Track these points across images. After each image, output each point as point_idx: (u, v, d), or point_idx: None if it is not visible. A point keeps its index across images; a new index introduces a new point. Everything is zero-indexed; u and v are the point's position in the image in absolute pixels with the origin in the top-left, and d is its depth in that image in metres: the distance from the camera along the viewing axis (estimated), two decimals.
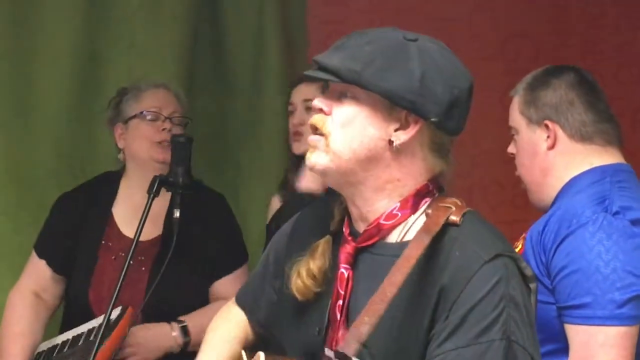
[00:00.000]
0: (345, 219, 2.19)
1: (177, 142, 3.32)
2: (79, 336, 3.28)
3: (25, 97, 3.92)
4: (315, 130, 2.12)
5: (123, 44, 3.99)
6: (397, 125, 2.08)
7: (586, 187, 2.56)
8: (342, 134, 2.09)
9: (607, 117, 2.66)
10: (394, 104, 2.06)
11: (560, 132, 2.63)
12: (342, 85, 2.09)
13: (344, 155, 2.09)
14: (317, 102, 2.12)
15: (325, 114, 2.11)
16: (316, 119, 2.12)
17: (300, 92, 3.51)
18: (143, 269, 3.38)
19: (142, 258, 3.37)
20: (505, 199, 3.85)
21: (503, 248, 2.04)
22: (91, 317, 3.34)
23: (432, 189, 2.12)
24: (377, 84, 2.05)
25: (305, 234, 2.26)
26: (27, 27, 3.91)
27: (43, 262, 3.49)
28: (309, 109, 3.43)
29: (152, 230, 3.39)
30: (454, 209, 2.07)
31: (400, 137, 2.08)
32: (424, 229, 2.05)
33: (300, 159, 3.44)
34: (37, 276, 3.49)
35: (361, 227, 2.14)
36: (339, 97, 2.11)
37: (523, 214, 3.29)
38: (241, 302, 2.45)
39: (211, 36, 4.16)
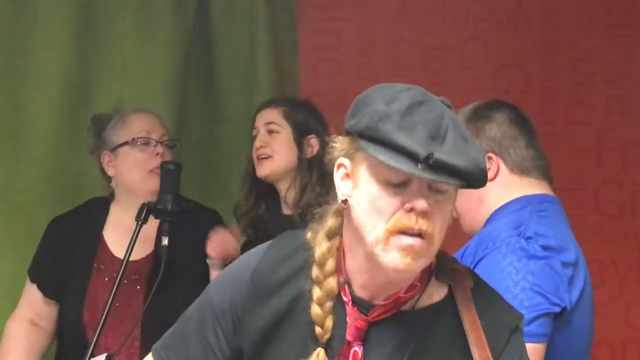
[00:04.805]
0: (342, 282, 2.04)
1: (167, 169, 3.31)
2: None
3: (15, 122, 3.92)
4: (418, 234, 1.94)
5: (114, 69, 3.99)
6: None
7: (508, 214, 2.68)
8: (441, 233, 1.97)
9: (542, 155, 2.77)
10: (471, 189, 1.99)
11: (502, 165, 2.72)
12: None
13: (436, 251, 2.00)
14: (424, 206, 1.92)
15: (427, 214, 1.94)
16: (425, 225, 1.93)
17: (263, 117, 3.54)
18: (138, 287, 3.37)
19: (136, 277, 3.36)
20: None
21: (516, 311, 2.09)
22: (85, 340, 3.32)
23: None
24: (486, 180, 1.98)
25: (273, 288, 2.06)
26: (18, 51, 3.92)
27: (34, 287, 3.49)
28: (270, 132, 3.49)
29: (144, 248, 3.38)
30: (462, 270, 2.06)
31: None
32: (463, 294, 2.01)
33: (261, 182, 3.48)
34: (32, 302, 3.49)
35: (367, 295, 2.02)
36: (429, 191, 1.95)
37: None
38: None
39: (202, 63, 4.16)
